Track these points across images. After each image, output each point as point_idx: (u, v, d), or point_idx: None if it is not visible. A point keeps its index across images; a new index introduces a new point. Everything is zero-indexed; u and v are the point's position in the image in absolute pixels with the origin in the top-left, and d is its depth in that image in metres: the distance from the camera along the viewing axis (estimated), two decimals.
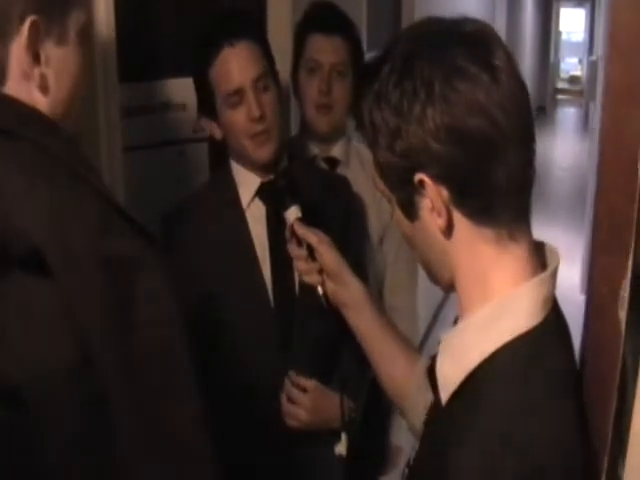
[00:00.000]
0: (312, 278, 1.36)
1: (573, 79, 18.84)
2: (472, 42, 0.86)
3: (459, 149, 0.84)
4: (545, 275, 0.89)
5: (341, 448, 1.63)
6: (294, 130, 2.29)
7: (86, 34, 1.05)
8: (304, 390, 1.58)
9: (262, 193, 1.66)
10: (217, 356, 1.63)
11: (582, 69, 17.51)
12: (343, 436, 1.63)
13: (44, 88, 0.99)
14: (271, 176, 1.65)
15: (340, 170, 2.01)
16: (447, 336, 0.93)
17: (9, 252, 0.88)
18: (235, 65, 1.56)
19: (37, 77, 0.98)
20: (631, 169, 0.79)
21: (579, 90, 16.57)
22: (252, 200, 1.66)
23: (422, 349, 3.27)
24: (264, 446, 1.63)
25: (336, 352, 1.71)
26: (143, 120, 1.94)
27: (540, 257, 0.93)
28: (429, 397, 1.02)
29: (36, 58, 0.98)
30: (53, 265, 0.88)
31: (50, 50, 0.99)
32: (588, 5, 16.84)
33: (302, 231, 1.38)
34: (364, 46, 2.31)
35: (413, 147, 0.86)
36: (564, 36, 20.07)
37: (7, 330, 0.88)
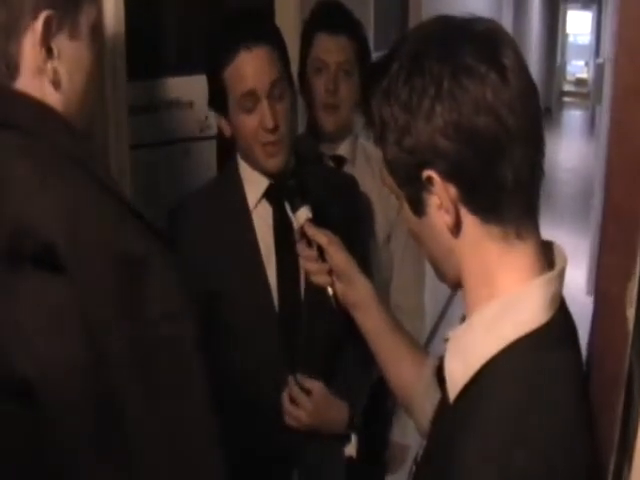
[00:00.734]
0: (322, 279, 1.36)
1: (579, 81, 18.82)
2: (482, 41, 0.86)
3: (467, 147, 0.84)
4: (552, 274, 0.89)
5: (351, 449, 1.63)
6: (300, 129, 2.29)
7: (97, 29, 1.05)
8: (308, 392, 1.58)
9: (269, 194, 1.65)
10: (220, 357, 1.63)
11: (588, 71, 17.49)
12: (353, 437, 1.63)
13: (57, 83, 1.00)
14: (278, 177, 1.64)
15: (346, 168, 2.02)
16: (454, 334, 0.93)
17: (23, 249, 0.88)
18: (251, 69, 1.54)
19: (50, 72, 0.99)
20: (638, 168, 0.79)
21: (585, 93, 16.55)
22: (259, 201, 1.65)
23: (428, 347, 3.28)
24: (268, 447, 1.62)
25: (340, 355, 1.71)
26: (150, 118, 1.94)
27: (548, 256, 0.93)
28: (436, 397, 1.02)
29: (49, 53, 0.98)
30: (66, 262, 0.88)
31: (63, 45, 0.99)
32: (595, 7, 16.81)
33: (312, 232, 1.38)
34: (371, 45, 2.31)
35: (421, 143, 0.86)
36: (570, 38, 20.07)
37: (21, 327, 0.88)
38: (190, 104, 2.04)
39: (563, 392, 0.85)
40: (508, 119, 0.83)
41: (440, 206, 0.88)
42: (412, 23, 3.66)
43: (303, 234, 1.41)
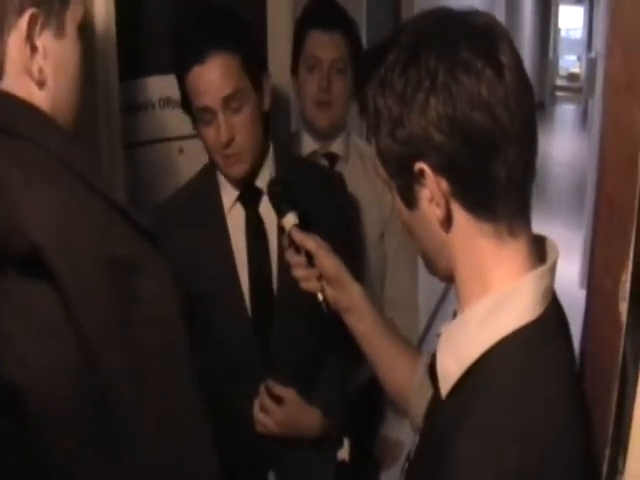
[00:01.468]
0: (311, 285, 1.33)
1: (572, 76, 18.81)
2: (479, 36, 0.86)
3: (460, 141, 0.84)
4: (544, 269, 0.89)
5: (344, 453, 1.63)
6: (294, 126, 2.28)
7: (84, 28, 1.05)
8: (280, 399, 1.57)
9: (243, 197, 1.64)
10: (197, 360, 1.62)
11: (581, 66, 17.49)
12: (345, 442, 1.62)
13: (42, 82, 0.99)
14: (253, 181, 1.63)
15: (339, 166, 2.01)
16: (446, 330, 0.93)
17: (8, 253, 0.87)
18: (203, 85, 1.51)
19: (35, 70, 0.98)
20: (631, 161, 0.79)
21: (578, 87, 16.54)
22: (234, 204, 1.65)
23: (422, 344, 3.28)
24: (244, 450, 1.62)
25: (317, 357, 1.70)
26: (143, 117, 1.94)
27: (540, 251, 0.93)
28: (430, 393, 1.02)
29: (34, 51, 0.97)
30: (53, 266, 0.87)
31: (48, 43, 0.98)
32: (587, 2, 16.82)
33: (300, 237, 1.36)
34: (364, 43, 2.31)
35: (414, 135, 0.86)
36: (563, 33, 20.06)
37: (8, 332, 0.87)
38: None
39: (556, 387, 0.85)
40: (503, 116, 0.83)
41: (431, 200, 0.88)
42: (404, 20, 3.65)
43: (291, 241, 1.39)
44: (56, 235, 0.88)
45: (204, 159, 2.03)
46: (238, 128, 1.54)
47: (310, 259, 1.34)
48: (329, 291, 1.32)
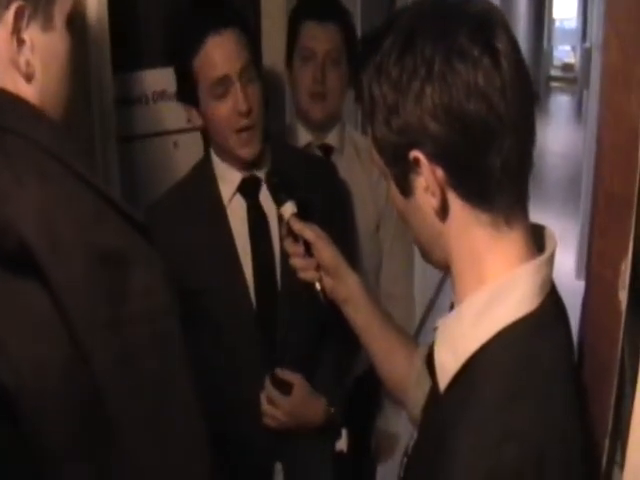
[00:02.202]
0: (309, 275, 1.34)
1: (566, 67, 18.78)
2: (477, 23, 0.85)
3: (455, 130, 0.83)
4: (541, 259, 0.88)
5: (342, 444, 1.63)
6: (288, 118, 2.28)
7: (73, 20, 1.03)
8: (289, 385, 1.57)
9: (243, 189, 1.64)
10: (199, 354, 1.62)
11: (575, 56, 17.47)
12: (344, 432, 1.62)
13: (29, 75, 0.97)
14: (253, 171, 1.63)
15: (334, 157, 2.01)
16: (443, 323, 0.92)
17: None
18: (221, 54, 1.52)
19: (23, 64, 0.96)
20: (629, 150, 0.78)
21: (572, 78, 16.54)
22: (233, 196, 1.64)
23: (418, 336, 3.29)
24: (249, 442, 1.62)
25: (320, 348, 1.70)
26: (138, 110, 1.93)
27: (538, 241, 0.92)
28: (428, 386, 1.02)
29: (21, 44, 0.96)
30: (42, 262, 0.85)
31: (36, 36, 0.97)
32: None
33: (298, 227, 1.36)
34: (358, 33, 2.30)
35: (410, 124, 0.85)
36: (557, 23, 20.03)
37: None
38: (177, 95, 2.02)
39: (554, 380, 0.84)
40: (499, 105, 0.82)
41: (427, 189, 0.87)
42: None
43: (289, 230, 1.39)
44: (44, 230, 0.87)
45: (199, 153, 2.03)
46: (253, 99, 1.55)
47: (308, 249, 1.34)
48: (327, 281, 1.32)
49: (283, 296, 1.63)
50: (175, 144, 2.05)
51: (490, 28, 0.85)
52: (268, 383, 1.57)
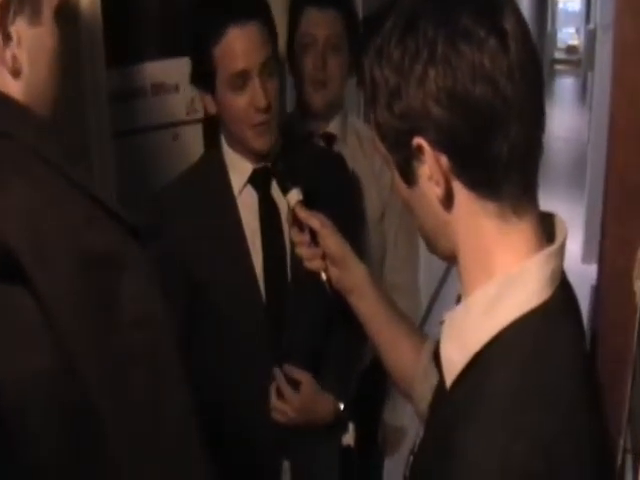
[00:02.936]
0: (315, 264, 1.31)
1: (570, 49, 18.71)
2: (482, 5, 0.81)
3: (460, 115, 0.79)
4: (552, 249, 0.84)
5: (349, 439, 1.61)
6: (289, 107, 2.25)
7: (62, 13, 1.00)
8: (297, 383, 1.55)
9: (254, 180, 1.61)
10: (206, 348, 1.60)
11: (579, 38, 17.38)
12: (350, 426, 1.61)
13: (16, 71, 0.94)
14: (264, 162, 1.60)
15: (337, 146, 1.99)
16: (450, 316, 0.89)
17: None
18: (242, 47, 1.49)
19: (9, 59, 0.94)
20: None
21: (576, 60, 16.46)
22: (244, 187, 1.61)
23: (423, 327, 3.27)
24: (257, 438, 1.61)
25: (329, 340, 1.68)
26: (135, 104, 1.91)
27: (548, 230, 0.89)
28: (435, 381, 0.99)
29: (7, 39, 0.93)
30: (27, 267, 0.82)
31: (22, 30, 0.94)
32: None
33: (304, 215, 1.34)
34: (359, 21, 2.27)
35: (412, 109, 0.82)
36: (560, 5, 19.92)
37: None
38: (176, 87, 2.01)
39: (565, 374, 0.81)
40: (506, 89, 0.79)
41: (431, 177, 0.83)
42: None
43: (295, 218, 1.37)
44: (30, 235, 0.84)
45: (199, 145, 2.01)
46: (272, 95, 1.52)
47: (314, 237, 1.32)
48: (333, 271, 1.30)
49: (294, 288, 1.60)
50: (174, 137, 2.03)
51: (498, 9, 0.81)
52: (279, 376, 1.55)
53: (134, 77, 1.89)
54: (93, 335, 0.85)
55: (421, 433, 0.97)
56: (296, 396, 1.53)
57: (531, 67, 0.82)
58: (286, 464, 1.63)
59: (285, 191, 1.43)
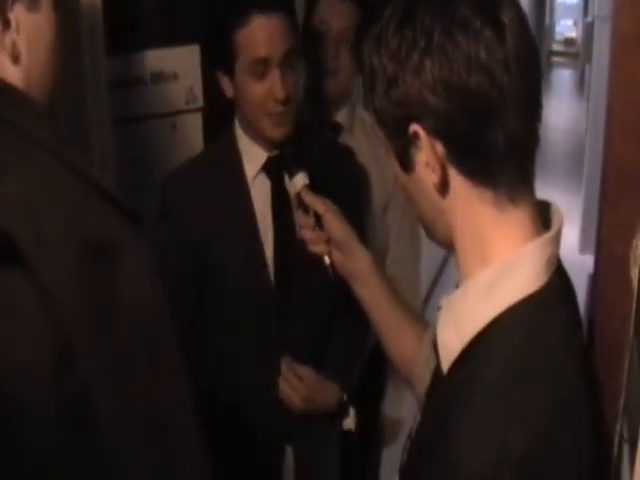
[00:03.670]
0: (319, 248, 1.32)
1: (568, 41, 18.68)
2: None
3: (456, 105, 0.80)
4: (548, 236, 0.85)
5: (350, 423, 1.62)
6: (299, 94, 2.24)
7: (61, 1, 1.00)
8: (299, 377, 1.56)
9: (268, 168, 1.61)
10: (212, 332, 1.61)
11: (577, 31, 17.36)
12: (351, 411, 1.62)
13: (15, 57, 0.94)
14: (278, 151, 1.60)
15: (343, 136, 1.98)
16: (447, 302, 0.90)
17: None
18: (266, 35, 1.49)
19: (8, 45, 0.94)
20: None
21: (574, 52, 16.44)
22: (257, 174, 1.61)
23: (422, 315, 3.27)
24: (260, 425, 1.62)
25: (335, 327, 1.69)
26: (135, 92, 1.90)
27: (544, 218, 0.89)
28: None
29: (6, 25, 0.93)
30: (27, 252, 0.82)
31: (21, 16, 0.94)
32: None
33: (309, 198, 1.35)
34: None
35: (409, 97, 0.82)
36: None
37: None
38: (175, 76, 2.00)
39: (562, 358, 0.82)
40: (502, 79, 0.79)
41: (427, 164, 0.84)
42: None
43: (300, 201, 1.37)
44: (30, 222, 0.83)
45: (198, 134, 2.01)
46: (292, 87, 1.52)
47: (319, 221, 1.32)
48: (336, 256, 1.30)
49: (300, 276, 1.61)
50: (173, 126, 2.03)
51: (496, 1, 0.81)
52: (285, 368, 1.56)
53: (133, 65, 1.88)
54: (92, 320, 0.85)
55: (418, 418, 0.98)
56: (302, 386, 1.55)
57: (529, 59, 0.82)
58: (289, 449, 1.64)
59: (291, 175, 1.43)
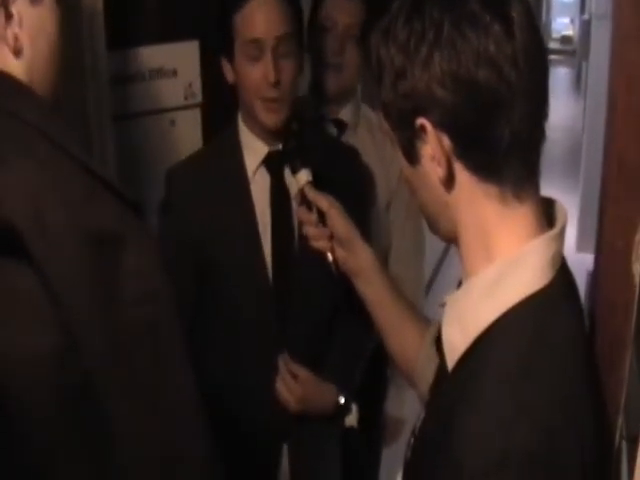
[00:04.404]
0: (321, 244, 1.32)
1: (565, 39, 18.67)
2: None
3: (463, 98, 0.80)
4: (552, 233, 0.85)
5: (352, 420, 1.62)
6: (302, 90, 2.23)
7: None
8: (295, 376, 1.56)
9: (268, 162, 1.61)
10: (211, 330, 1.61)
11: (574, 29, 17.35)
12: (354, 407, 1.61)
13: (18, 50, 0.95)
14: (279, 145, 1.60)
15: (348, 134, 1.98)
16: (451, 299, 0.90)
17: None
18: (261, 16, 1.50)
19: (10, 38, 0.94)
20: None
21: (571, 50, 16.43)
22: (257, 169, 1.61)
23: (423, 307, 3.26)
24: (257, 423, 1.62)
25: (336, 326, 1.69)
26: (134, 88, 1.90)
27: (548, 215, 0.89)
28: (436, 365, 0.99)
29: (9, 18, 0.93)
30: (30, 243, 0.82)
31: (24, 9, 0.94)
32: None
33: (313, 195, 1.35)
34: None
35: (416, 89, 0.82)
36: None
37: None
38: (174, 72, 2.00)
39: (566, 356, 0.82)
40: (510, 74, 0.79)
41: (433, 157, 0.84)
42: None
43: (303, 197, 1.37)
44: (34, 214, 0.84)
45: (196, 130, 2.01)
46: (284, 73, 1.52)
47: (322, 218, 1.32)
48: (339, 252, 1.30)
49: (299, 273, 1.60)
50: (172, 122, 2.03)
51: None
52: (282, 367, 1.55)
53: (132, 61, 1.88)
54: (95, 310, 0.85)
55: (422, 415, 0.98)
56: (298, 387, 1.55)
57: (536, 55, 0.82)
58: (285, 447, 1.64)
59: (295, 171, 1.43)
